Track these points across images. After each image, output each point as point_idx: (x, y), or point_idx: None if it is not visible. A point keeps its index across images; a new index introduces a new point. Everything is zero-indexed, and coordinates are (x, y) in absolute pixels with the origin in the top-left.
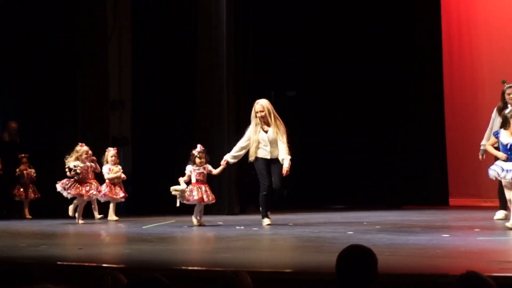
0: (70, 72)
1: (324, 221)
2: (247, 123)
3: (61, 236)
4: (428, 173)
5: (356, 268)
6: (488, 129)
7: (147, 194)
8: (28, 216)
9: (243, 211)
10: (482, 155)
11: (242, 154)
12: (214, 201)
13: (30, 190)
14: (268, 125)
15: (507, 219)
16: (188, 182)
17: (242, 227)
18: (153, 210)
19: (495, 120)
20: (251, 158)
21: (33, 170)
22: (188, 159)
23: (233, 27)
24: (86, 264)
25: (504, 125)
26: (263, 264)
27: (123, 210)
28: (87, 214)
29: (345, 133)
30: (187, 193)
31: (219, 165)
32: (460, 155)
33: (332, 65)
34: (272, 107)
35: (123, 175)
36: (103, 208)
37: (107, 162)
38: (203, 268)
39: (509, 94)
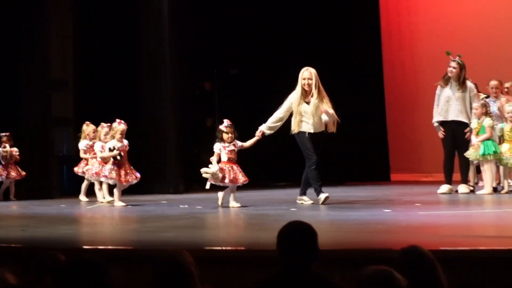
0: (9, 53)
1: (268, 198)
2: (191, 101)
3: (5, 218)
4: (370, 149)
5: (296, 245)
6: (435, 105)
7: None
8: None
9: (187, 190)
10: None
11: (279, 125)
12: (247, 181)
13: (14, 169)
14: (312, 95)
15: (451, 193)
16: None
17: (186, 206)
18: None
19: (440, 96)
20: (294, 131)
21: (15, 149)
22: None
23: (175, 5)
24: (24, 246)
25: None
26: (206, 243)
27: (66, 191)
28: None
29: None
30: (219, 175)
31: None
32: (401, 131)
33: (274, 43)
34: (318, 77)
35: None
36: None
37: (99, 139)
38: (145, 248)
39: (449, 67)
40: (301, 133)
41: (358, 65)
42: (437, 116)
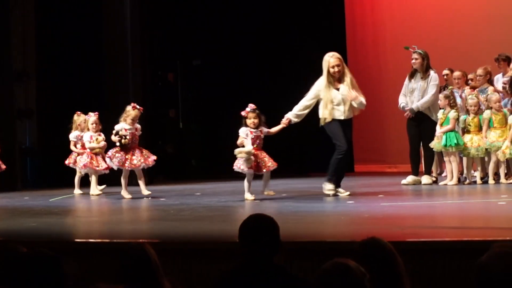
0: None
1: (232, 190)
2: (153, 92)
3: None
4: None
5: (258, 238)
6: (401, 94)
7: (54, 166)
8: None
9: (151, 182)
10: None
11: (306, 113)
12: (274, 166)
13: None
14: (340, 81)
15: (415, 184)
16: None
17: (149, 198)
18: (60, 182)
19: (408, 86)
20: (326, 119)
21: None
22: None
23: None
24: None
25: None
26: (168, 235)
27: (30, 183)
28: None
29: (252, 101)
30: (252, 157)
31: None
32: (365, 122)
33: (237, 35)
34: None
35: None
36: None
37: (88, 130)
38: (106, 240)
39: (412, 59)
40: (333, 121)
41: (321, 55)
42: (402, 99)
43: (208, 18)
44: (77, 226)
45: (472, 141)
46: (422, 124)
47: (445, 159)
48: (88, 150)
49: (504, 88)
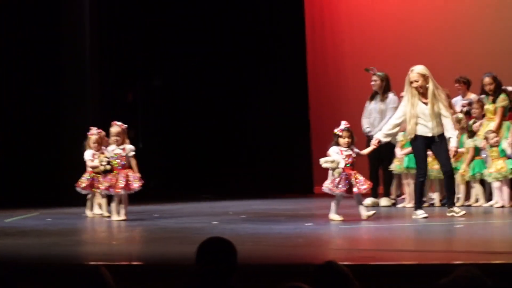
0: None
1: (190, 211)
2: (113, 113)
3: None
4: (293, 161)
5: (215, 261)
6: (364, 117)
7: (10, 186)
8: None
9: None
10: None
11: (396, 132)
12: (369, 187)
13: None
14: (426, 96)
15: (374, 206)
16: None
17: (109, 219)
18: (17, 202)
19: (368, 108)
20: (410, 136)
21: None
22: None
23: (97, 18)
24: None
25: None
26: (122, 257)
27: None
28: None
29: (212, 122)
30: (340, 168)
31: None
32: (325, 143)
33: (196, 54)
34: (430, 73)
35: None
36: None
37: (89, 147)
38: (60, 262)
39: (371, 81)
40: (418, 138)
41: (282, 78)
42: (366, 122)
43: (169, 38)
44: (34, 248)
45: (433, 163)
46: (381, 146)
47: (404, 181)
48: (89, 169)
49: (462, 111)
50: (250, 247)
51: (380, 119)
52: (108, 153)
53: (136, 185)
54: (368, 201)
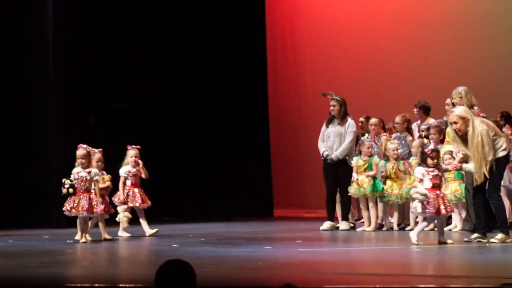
0: None
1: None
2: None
3: None
4: (254, 184)
5: (174, 283)
6: (320, 140)
7: None
8: None
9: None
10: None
11: None
12: (452, 211)
13: None
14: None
15: (332, 229)
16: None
17: (70, 241)
18: None
19: (325, 132)
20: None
21: None
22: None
23: (61, 41)
24: None
25: None
26: (82, 279)
27: None
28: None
29: (174, 145)
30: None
31: None
32: (284, 166)
33: (161, 75)
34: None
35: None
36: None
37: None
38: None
39: (330, 106)
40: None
41: (243, 103)
42: (323, 146)
43: (134, 60)
44: None
45: (392, 187)
46: (339, 169)
47: (362, 205)
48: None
49: (420, 135)
50: (209, 270)
51: (339, 142)
52: (72, 175)
53: (99, 208)
54: (327, 224)
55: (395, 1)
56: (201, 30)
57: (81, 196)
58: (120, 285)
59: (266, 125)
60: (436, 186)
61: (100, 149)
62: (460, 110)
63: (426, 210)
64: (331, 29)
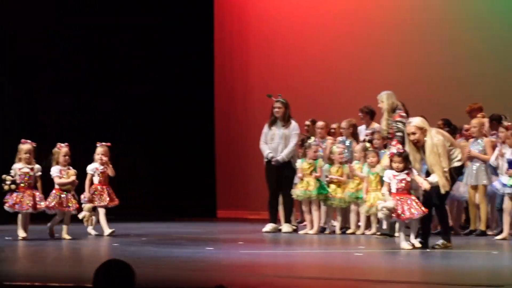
0: None
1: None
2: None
3: None
4: (197, 184)
5: (112, 284)
6: (262, 142)
7: None
8: None
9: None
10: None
11: None
12: (426, 212)
13: None
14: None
15: (275, 232)
16: None
17: (10, 238)
18: None
19: (267, 134)
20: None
21: None
22: None
23: None
24: None
25: None
26: (17, 277)
27: None
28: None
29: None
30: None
31: None
32: (228, 167)
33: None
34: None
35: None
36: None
37: (57, 163)
38: None
39: (275, 108)
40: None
41: (190, 97)
42: (266, 148)
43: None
44: None
45: (336, 191)
46: (282, 171)
47: (304, 208)
48: (56, 186)
49: (365, 140)
50: (149, 270)
51: (284, 144)
52: (13, 171)
53: (42, 204)
54: (270, 226)
55: (342, 3)
56: (146, 33)
57: (24, 193)
58: (55, 284)
59: (211, 125)
60: (402, 190)
61: (67, 143)
62: (417, 121)
63: (406, 216)
64: (278, 31)
